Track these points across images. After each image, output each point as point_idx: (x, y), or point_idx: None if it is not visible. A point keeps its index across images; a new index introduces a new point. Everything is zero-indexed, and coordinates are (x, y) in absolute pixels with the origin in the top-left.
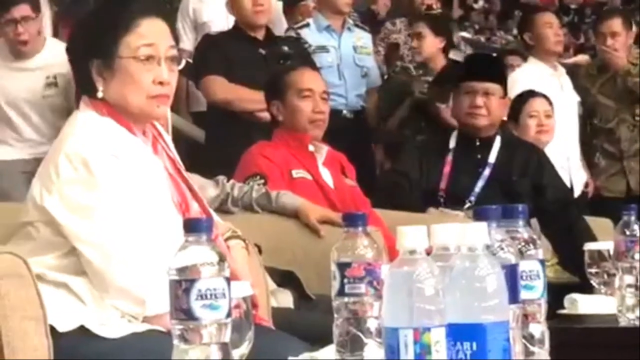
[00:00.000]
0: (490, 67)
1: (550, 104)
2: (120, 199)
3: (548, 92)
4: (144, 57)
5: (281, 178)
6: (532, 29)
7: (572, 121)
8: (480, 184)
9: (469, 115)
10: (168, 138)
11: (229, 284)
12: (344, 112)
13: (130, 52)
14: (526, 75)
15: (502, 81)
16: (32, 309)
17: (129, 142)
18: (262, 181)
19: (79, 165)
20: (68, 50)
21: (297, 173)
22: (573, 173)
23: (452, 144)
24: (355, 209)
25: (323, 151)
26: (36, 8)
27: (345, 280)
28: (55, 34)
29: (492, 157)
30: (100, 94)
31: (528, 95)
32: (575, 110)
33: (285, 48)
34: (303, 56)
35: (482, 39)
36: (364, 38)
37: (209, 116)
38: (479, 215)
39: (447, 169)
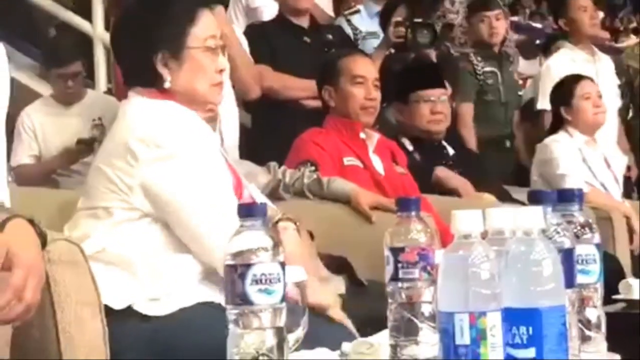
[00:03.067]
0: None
1: (595, 84)
2: (204, 164)
3: None
4: (212, 46)
5: (332, 165)
6: (566, 13)
7: (610, 106)
8: None
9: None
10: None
11: (283, 269)
12: None
13: (199, 42)
14: (558, 62)
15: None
16: (87, 295)
17: (195, 119)
18: (313, 168)
19: (153, 144)
20: (120, 44)
21: (349, 160)
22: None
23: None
24: (406, 195)
25: (374, 139)
26: (85, 62)
27: (399, 265)
28: (107, 26)
29: None
30: (167, 84)
31: (576, 78)
32: (614, 95)
33: (330, 36)
34: (347, 44)
35: (533, 24)
36: None
37: (254, 103)
38: (534, 199)
39: None
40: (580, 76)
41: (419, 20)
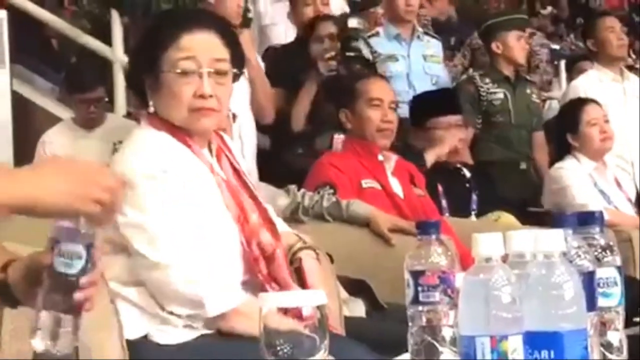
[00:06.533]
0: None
1: (601, 107)
2: (167, 211)
3: (608, 98)
4: (181, 70)
5: (351, 188)
6: (595, 34)
7: (636, 126)
8: None
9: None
10: (234, 148)
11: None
12: None
13: (170, 66)
14: (585, 82)
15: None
16: (107, 320)
17: (180, 155)
18: (332, 191)
19: (123, 174)
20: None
21: (367, 183)
22: (637, 179)
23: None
24: (426, 218)
25: (392, 161)
26: (107, 90)
27: (420, 288)
28: (126, 46)
29: None
30: (151, 109)
31: (581, 103)
32: None
33: None
34: (364, 67)
35: (552, 45)
36: (434, 46)
37: (272, 125)
38: (555, 221)
39: None
40: (586, 100)
41: (351, 54)
